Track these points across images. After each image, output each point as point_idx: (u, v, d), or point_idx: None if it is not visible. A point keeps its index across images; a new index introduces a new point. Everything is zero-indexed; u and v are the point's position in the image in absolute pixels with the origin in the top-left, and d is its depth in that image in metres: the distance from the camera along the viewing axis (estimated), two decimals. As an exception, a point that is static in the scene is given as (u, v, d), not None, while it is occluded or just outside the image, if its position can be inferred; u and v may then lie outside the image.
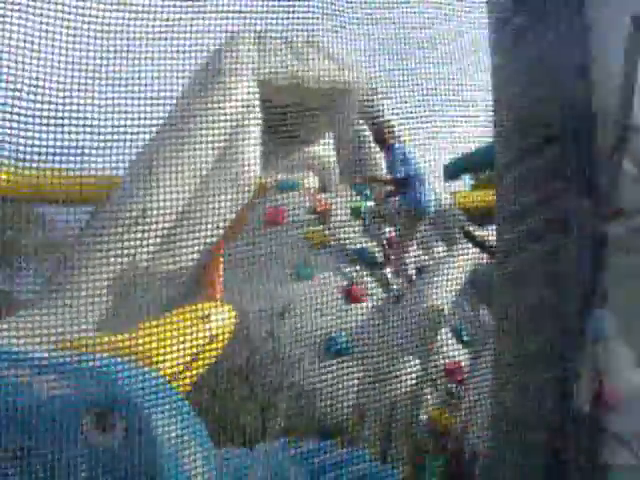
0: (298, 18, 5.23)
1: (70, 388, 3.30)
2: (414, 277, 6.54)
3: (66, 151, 4.27)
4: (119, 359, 3.77)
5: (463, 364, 5.89)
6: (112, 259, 5.25)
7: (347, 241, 6.58)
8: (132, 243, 5.40)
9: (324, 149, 7.41)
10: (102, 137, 4.41)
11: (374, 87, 7.28)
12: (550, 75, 1.86)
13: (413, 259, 6.66)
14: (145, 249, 5.51)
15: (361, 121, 7.60)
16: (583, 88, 1.77)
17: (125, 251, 5.34)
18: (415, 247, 6.82)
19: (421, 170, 6.69)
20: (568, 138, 1.79)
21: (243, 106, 6.56)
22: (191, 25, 4.73)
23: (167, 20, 4.59)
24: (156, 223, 5.56)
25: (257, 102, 6.80)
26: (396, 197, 6.77)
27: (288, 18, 5.19)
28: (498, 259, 2.23)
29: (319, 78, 6.83)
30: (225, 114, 6.26)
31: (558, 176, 1.82)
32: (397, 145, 6.78)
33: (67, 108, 4.14)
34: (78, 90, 4.23)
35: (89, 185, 4.98)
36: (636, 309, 1.72)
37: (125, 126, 4.52)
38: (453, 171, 7.81)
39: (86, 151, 4.40)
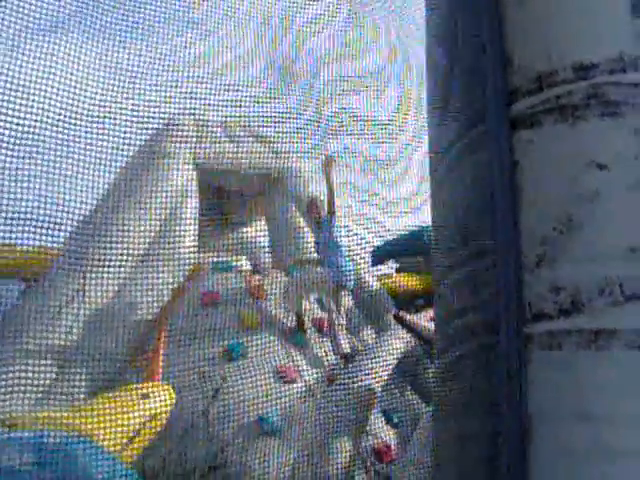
0: (235, 104, 5.48)
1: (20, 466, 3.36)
2: (347, 354, 6.70)
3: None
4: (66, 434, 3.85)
5: (392, 445, 6.07)
6: (50, 334, 5.30)
7: (279, 321, 6.74)
8: (70, 318, 5.48)
9: (257, 231, 7.61)
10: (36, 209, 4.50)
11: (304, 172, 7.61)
12: (479, 198, 2.19)
13: (344, 336, 6.85)
14: (82, 325, 5.59)
15: (293, 205, 7.87)
16: (511, 210, 2.09)
17: (63, 327, 5.41)
18: (344, 323, 7.02)
19: (341, 243, 6.95)
20: (498, 251, 2.10)
21: (180, 189, 6.77)
22: (131, 107, 4.90)
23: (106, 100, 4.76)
24: (94, 300, 5.66)
25: (194, 185, 7.01)
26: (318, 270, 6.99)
27: (225, 103, 5.44)
28: (438, 353, 2.50)
29: (254, 163, 7.07)
30: (163, 196, 6.46)
31: (489, 283, 2.12)
32: (325, 219, 7.04)
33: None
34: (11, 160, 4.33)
35: (20, 259, 5.06)
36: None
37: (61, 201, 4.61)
38: (380, 256, 8.05)
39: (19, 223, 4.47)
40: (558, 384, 1.94)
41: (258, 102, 5.55)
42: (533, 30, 2.18)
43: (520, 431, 1.92)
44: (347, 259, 6.84)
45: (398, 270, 8.84)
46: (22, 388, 4.61)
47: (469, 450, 2.13)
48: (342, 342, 6.69)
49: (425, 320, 6.35)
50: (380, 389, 6.20)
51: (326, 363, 6.57)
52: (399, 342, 6.49)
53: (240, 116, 5.79)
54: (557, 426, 1.90)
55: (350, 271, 6.87)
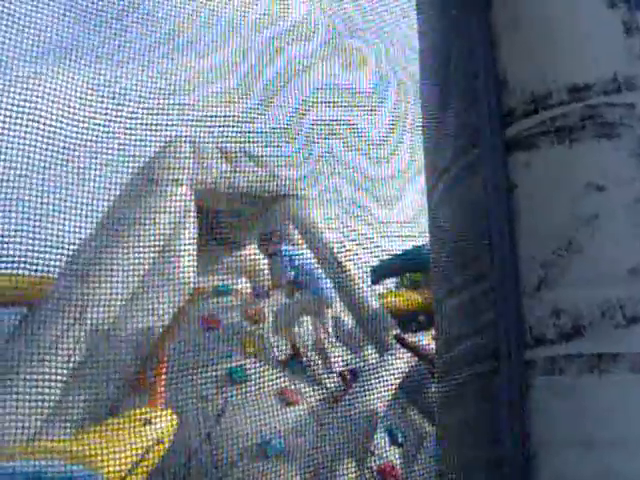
0: (232, 127, 5.48)
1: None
2: (341, 372, 6.68)
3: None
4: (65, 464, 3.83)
5: (398, 465, 6.04)
6: (49, 362, 5.27)
7: (276, 347, 6.72)
8: (70, 344, 5.45)
9: (256, 253, 7.61)
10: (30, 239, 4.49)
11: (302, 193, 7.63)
12: (476, 222, 2.17)
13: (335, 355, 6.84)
14: (82, 352, 5.56)
15: (290, 225, 7.87)
16: (508, 233, 2.08)
17: (64, 352, 5.38)
18: (333, 341, 7.01)
19: (311, 265, 6.95)
20: (496, 276, 2.08)
21: (179, 212, 6.76)
22: (129, 131, 4.89)
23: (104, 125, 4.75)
24: (94, 326, 5.64)
25: (192, 208, 7.01)
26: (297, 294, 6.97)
27: (222, 126, 5.44)
28: (439, 378, 2.48)
29: (251, 185, 7.08)
30: (161, 220, 6.45)
31: (488, 308, 2.10)
32: (283, 248, 7.04)
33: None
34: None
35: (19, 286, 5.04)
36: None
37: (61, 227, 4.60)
38: (379, 274, 8.05)
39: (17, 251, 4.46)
40: (561, 410, 1.91)
41: (252, 124, 5.54)
42: (527, 52, 2.18)
43: (524, 459, 1.90)
44: (324, 279, 6.84)
45: (398, 287, 8.83)
46: (21, 417, 4.58)
47: (473, 478, 2.11)
48: (333, 361, 6.68)
49: (428, 340, 6.33)
50: (384, 408, 6.17)
51: (329, 384, 6.54)
52: (402, 361, 6.47)
53: (235, 138, 5.77)
54: (562, 453, 1.87)
55: (331, 290, 6.86)
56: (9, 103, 4.07)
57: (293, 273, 6.86)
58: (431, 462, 5.46)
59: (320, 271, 6.98)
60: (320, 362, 6.77)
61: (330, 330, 6.92)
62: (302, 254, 7.03)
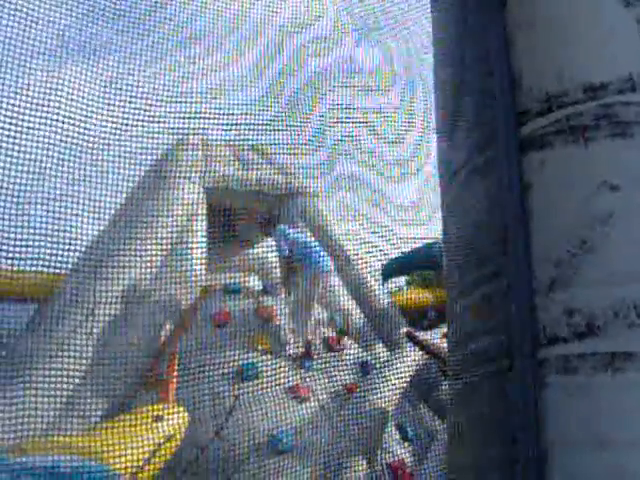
0: (242, 124, 5.48)
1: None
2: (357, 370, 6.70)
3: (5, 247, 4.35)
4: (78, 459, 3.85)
5: (408, 462, 6.04)
6: (61, 358, 5.30)
7: (288, 344, 6.73)
8: (80, 342, 5.48)
9: (267, 251, 7.61)
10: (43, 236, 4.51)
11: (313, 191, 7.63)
12: (490, 221, 2.18)
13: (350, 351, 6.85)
14: (92, 350, 5.59)
15: (301, 223, 7.87)
16: (523, 232, 2.08)
17: (74, 350, 5.41)
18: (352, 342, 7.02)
19: (306, 239, 6.99)
20: (510, 274, 2.09)
21: (189, 210, 6.78)
22: (139, 129, 4.90)
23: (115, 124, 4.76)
24: (104, 322, 5.66)
25: (203, 205, 7.03)
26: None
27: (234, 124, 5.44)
28: (451, 376, 2.48)
29: (262, 182, 7.09)
30: (172, 217, 6.48)
31: (502, 307, 2.10)
32: (279, 227, 7.10)
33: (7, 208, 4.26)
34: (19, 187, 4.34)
35: (30, 282, 5.06)
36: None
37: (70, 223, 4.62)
38: (390, 271, 8.04)
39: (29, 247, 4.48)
40: (575, 409, 1.92)
41: (265, 124, 5.54)
42: (542, 51, 2.18)
43: (537, 458, 1.90)
44: (320, 252, 6.85)
45: (409, 284, 8.83)
46: (32, 416, 4.60)
47: (485, 477, 2.11)
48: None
49: (439, 338, 6.33)
50: (395, 405, 6.18)
51: (342, 377, 6.53)
52: (412, 358, 6.47)
53: (246, 135, 5.76)
54: (575, 452, 1.87)
55: (328, 261, 6.88)
56: (28, 100, 4.10)
57: (288, 249, 6.90)
58: (442, 459, 5.46)
59: (316, 244, 6.99)
60: (335, 357, 6.77)
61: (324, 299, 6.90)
62: (297, 231, 7.04)
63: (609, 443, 1.84)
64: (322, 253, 6.87)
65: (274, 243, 7.12)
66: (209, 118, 5.27)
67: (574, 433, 1.90)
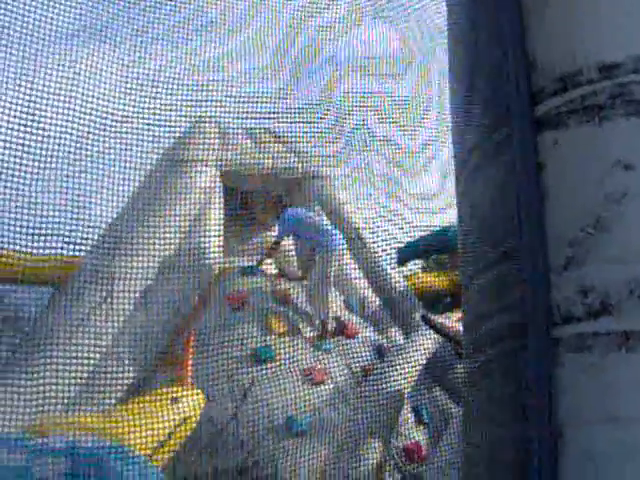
0: (258, 107, 5.48)
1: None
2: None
3: (25, 232, 4.38)
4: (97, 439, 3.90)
5: (423, 444, 6.07)
6: (79, 339, 5.35)
7: (304, 326, 6.75)
8: (98, 324, 5.53)
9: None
10: (63, 218, 4.54)
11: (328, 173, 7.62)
12: (505, 200, 2.18)
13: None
14: (111, 330, 5.64)
15: (318, 207, 7.87)
16: (537, 212, 2.08)
17: (92, 331, 5.46)
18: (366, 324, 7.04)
19: (313, 218, 7.00)
20: (525, 254, 2.09)
21: (205, 193, 6.80)
22: (154, 113, 4.91)
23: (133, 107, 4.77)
24: (121, 305, 5.71)
25: (219, 189, 7.05)
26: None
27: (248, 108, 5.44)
28: (466, 356, 2.50)
29: (277, 166, 7.10)
30: (188, 200, 6.50)
31: (517, 286, 2.11)
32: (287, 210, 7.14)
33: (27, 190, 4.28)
34: (38, 170, 4.37)
35: (48, 266, 5.11)
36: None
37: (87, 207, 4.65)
38: (405, 255, 8.02)
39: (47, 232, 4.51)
40: (589, 387, 1.93)
41: (284, 111, 5.54)
42: (557, 31, 2.17)
43: (551, 436, 1.91)
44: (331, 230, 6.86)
45: (424, 268, 8.81)
46: (53, 394, 4.66)
47: (500, 455, 2.13)
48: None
49: (453, 321, 6.33)
50: (410, 387, 6.19)
51: (359, 359, 6.54)
52: (428, 341, 6.48)
53: (261, 116, 5.77)
54: (589, 430, 1.89)
55: (339, 239, 6.89)
56: (46, 83, 4.13)
57: (289, 231, 7.00)
58: (457, 442, 5.49)
59: (326, 222, 7.00)
60: (351, 341, 6.79)
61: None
62: (304, 213, 7.06)
63: (623, 420, 1.85)
64: (333, 232, 6.87)
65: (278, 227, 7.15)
66: (226, 102, 5.29)
67: (588, 411, 1.91)
